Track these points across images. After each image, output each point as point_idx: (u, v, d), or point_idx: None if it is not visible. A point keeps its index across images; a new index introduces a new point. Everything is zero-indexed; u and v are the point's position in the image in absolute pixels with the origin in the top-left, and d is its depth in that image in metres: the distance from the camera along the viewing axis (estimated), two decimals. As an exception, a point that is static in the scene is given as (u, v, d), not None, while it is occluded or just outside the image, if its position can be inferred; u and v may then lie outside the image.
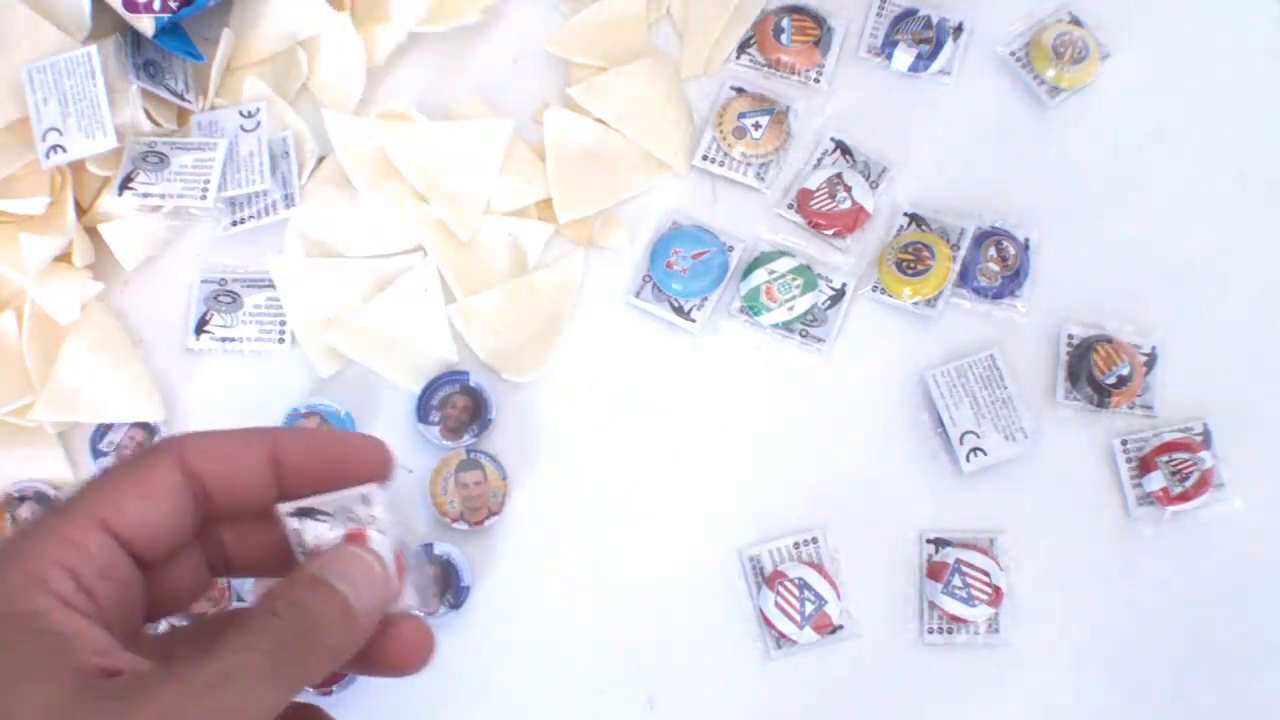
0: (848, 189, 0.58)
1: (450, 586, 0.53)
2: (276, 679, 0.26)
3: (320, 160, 0.59)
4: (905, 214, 0.59)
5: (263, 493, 0.31)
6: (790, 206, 0.59)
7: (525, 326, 0.57)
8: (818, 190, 0.58)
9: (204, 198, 0.55)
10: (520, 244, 0.58)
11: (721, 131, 0.59)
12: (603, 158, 0.59)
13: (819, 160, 0.59)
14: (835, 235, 0.58)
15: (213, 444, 0.31)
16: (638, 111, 0.59)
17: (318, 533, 0.31)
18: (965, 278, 0.57)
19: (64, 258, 0.57)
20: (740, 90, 0.60)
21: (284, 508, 0.31)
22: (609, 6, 0.62)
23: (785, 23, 0.61)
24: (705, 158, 0.59)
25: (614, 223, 0.59)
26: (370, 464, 0.32)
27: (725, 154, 0.59)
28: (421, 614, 0.32)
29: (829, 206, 0.57)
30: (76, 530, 0.28)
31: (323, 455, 0.32)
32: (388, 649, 0.31)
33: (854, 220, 0.57)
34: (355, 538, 0.31)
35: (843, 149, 0.60)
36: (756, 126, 0.59)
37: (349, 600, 0.29)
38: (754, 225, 0.59)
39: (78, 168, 0.57)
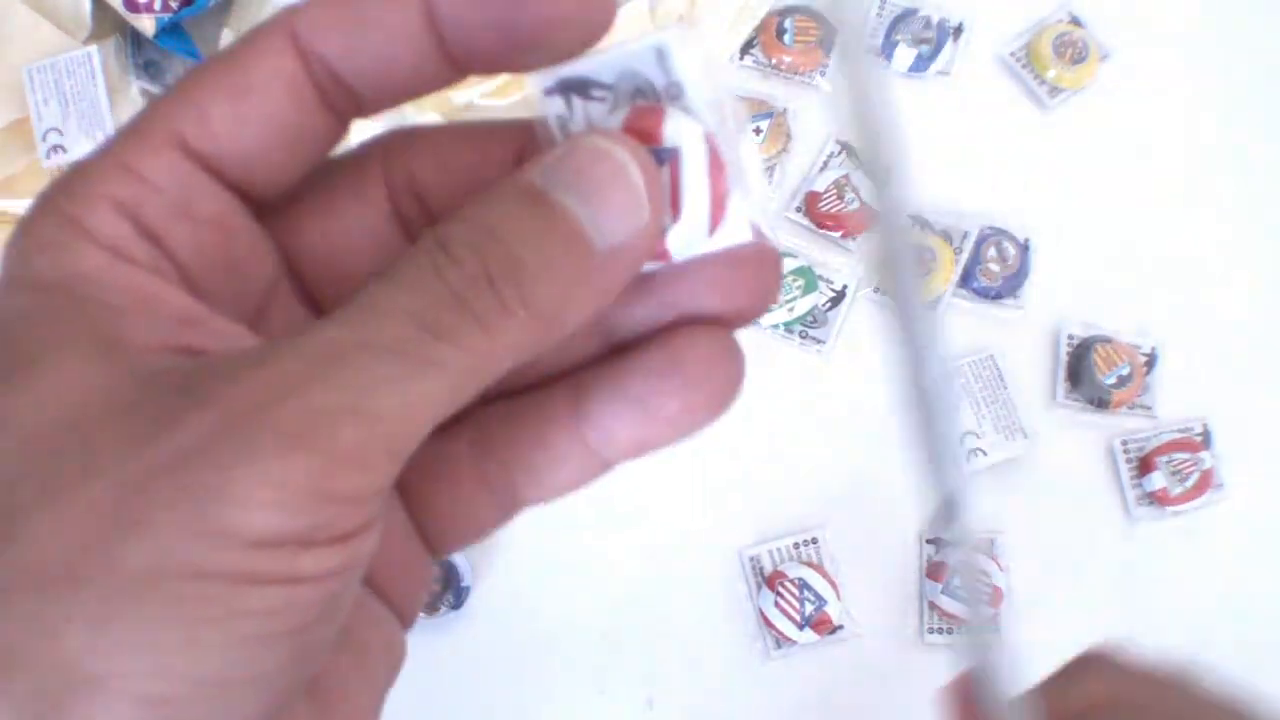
0: (856, 190, 0.58)
1: (450, 587, 0.53)
2: (439, 360, 0.17)
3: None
4: (908, 216, 0.58)
5: (421, 65, 0.20)
6: (798, 209, 0.59)
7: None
8: (825, 192, 0.58)
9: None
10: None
11: (723, 137, 0.59)
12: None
13: (825, 162, 0.59)
14: (843, 236, 0.58)
15: (338, 10, 0.20)
16: None
17: (590, 117, 0.20)
18: (966, 279, 0.57)
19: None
20: (738, 96, 0.60)
21: (536, 80, 0.20)
22: (616, 25, 0.61)
23: (788, 23, 0.61)
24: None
25: None
26: (591, 19, 0.19)
27: (727, 158, 0.59)
28: (754, 246, 0.20)
29: (838, 208, 0.57)
30: (137, 154, 0.19)
31: (510, 7, 0.19)
32: (675, 345, 0.21)
33: (863, 221, 0.57)
34: (643, 125, 0.19)
35: (848, 150, 0.60)
36: (758, 131, 0.59)
37: (583, 227, 0.18)
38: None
39: (78, 168, 0.57)
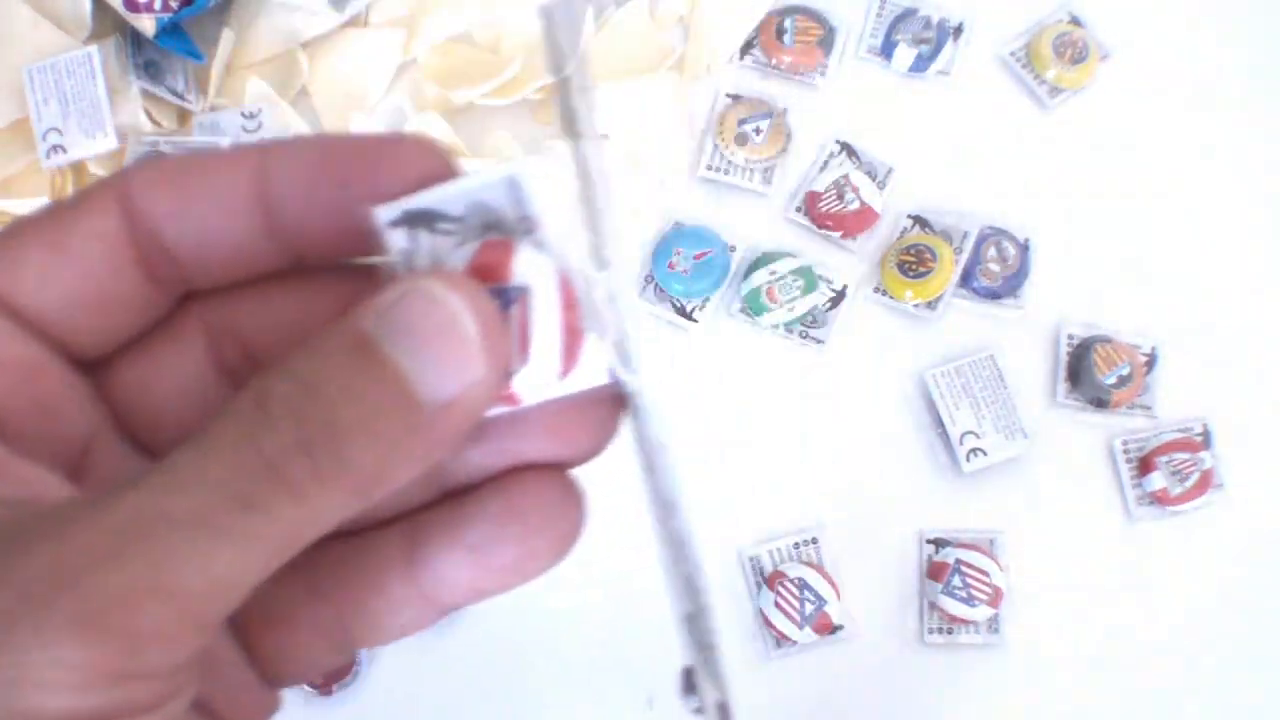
0: (855, 190, 0.58)
1: (451, 587, 0.53)
2: (249, 532, 0.16)
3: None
4: (909, 216, 0.59)
5: (248, 242, 0.19)
6: (798, 209, 0.59)
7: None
8: (825, 192, 0.58)
9: (205, 198, 0.55)
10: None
11: (723, 139, 0.59)
12: (613, 171, 0.59)
13: (825, 162, 0.59)
14: (844, 236, 0.58)
15: (171, 173, 0.19)
16: (637, 124, 0.59)
17: (437, 252, 0.18)
18: (966, 279, 0.57)
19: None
20: (736, 97, 0.60)
21: (384, 213, 0.18)
22: (617, 28, 0.61)
23: (788, 23, 0.61)
24: (710, 168, 0.59)
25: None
26: (418, 174, 0.19)
27: (729, 162, 0.59)
28: (609, 389, 0.19)
29: (838, 208, 0.57)
30: None
31: (338, 174, 0.19)
32: (511, 493, 0.20)
33: (863, 221, 0.57)
34: (492, 261, 0.18)
35: (848, 150, 0.60)
36: (758, 131, 0.59)
37: (411, 382, 0.17)
38: (760, 228, 0.59)
39: (78, 168, 0.57)
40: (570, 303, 0.18)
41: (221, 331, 0.21)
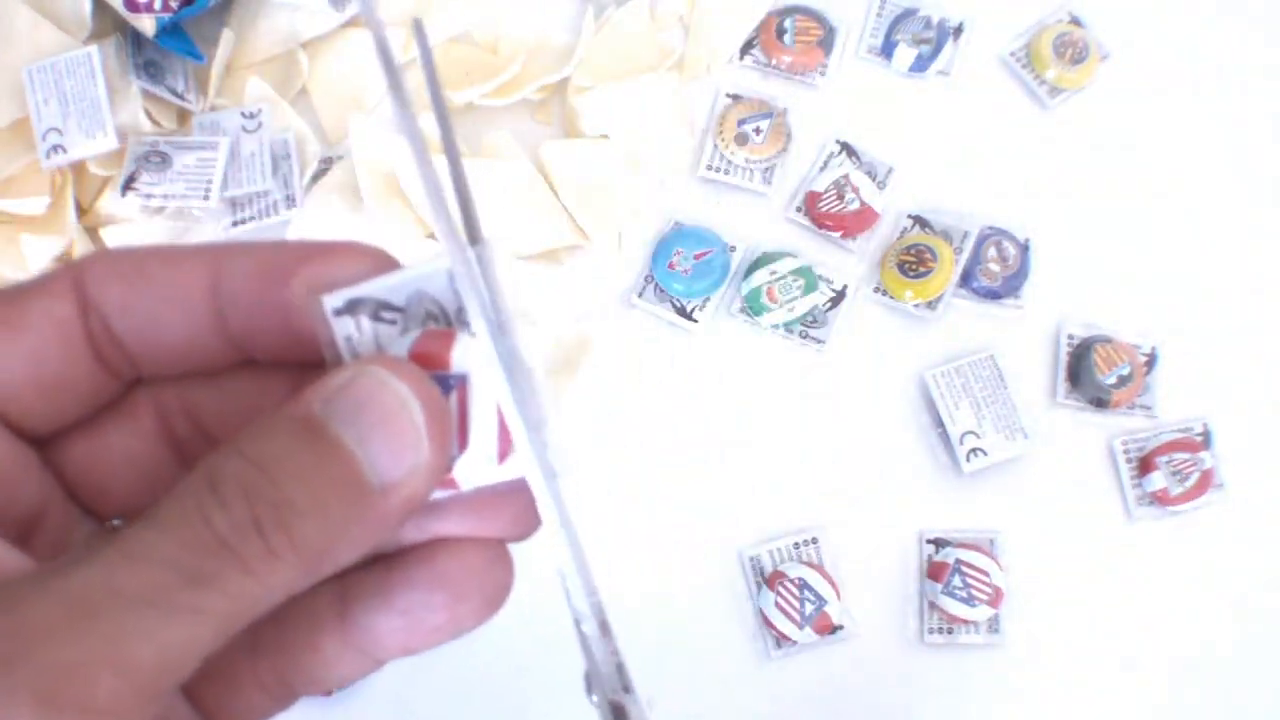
0: (855, 190, 0.58)
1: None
2: (200, 607, 0.16)
3: (326, 162, 0.59)
4: (910, 215, 0.59)
5: (198, 338, 0.20)
6: (799, 209, 0.59)
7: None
8: (825, 192, 0.58)
9: (207, 198, 0.55)
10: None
11: (723, 139, 0.59)
12: (613, 171, 0.59)
13: (825, 162, 0.59)
14: (844, 236, 0.58)
15: (125, 265, 0.20)
16: (637, 124, 0.59)
17: (380, 340, 0.19)
18: (966, 279, 0.57)
19: (64, 258, 0.57)
20: (736, 97, 0.60)
21: (329, 300, 0.19)
22: (617, 28, 0.61)
23: (788, 23, 0.61)
24: (710, 167, 0.59)
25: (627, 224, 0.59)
26: (355, 271, 0.20)
27: (729, 162, 0.59)
28: (534, 482, 0.19)
29: (838, 208, 0.57)
30: None
31: (284, 272, 0.20)
32: (440, 561, 0.20)
33: (863, 221, 0.57)
34: (432, 350, 0.19)
35: (848, 150, 0.60)
36: (757, 131, 0.59)
37: (360, 464, 0.18)
38: (760, 228, 0.59)
39: (78, 168, 0.57)
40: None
41: (172, 410, 0.21)
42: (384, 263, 0.20)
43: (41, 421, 0.20)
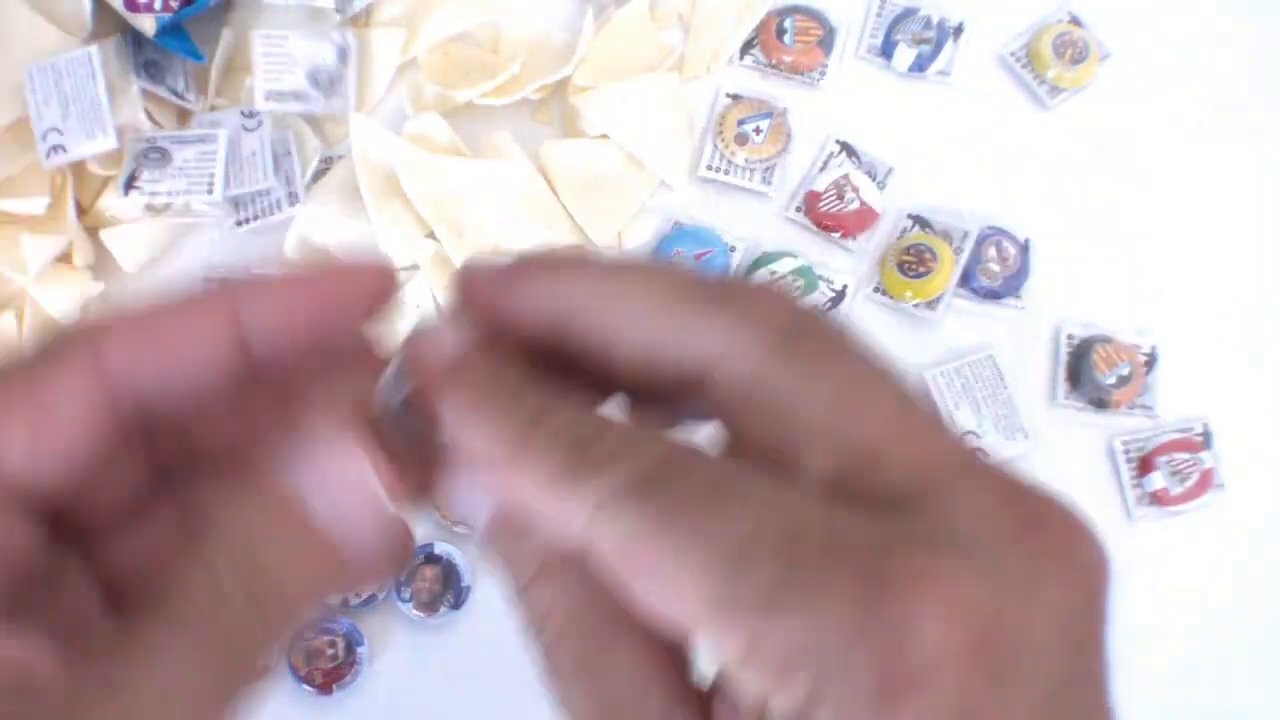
0: (855, 190, 0.58)
1: (450, 587, 0.53)
2: (218, 680, 0.18)
3: (326, 161, 0.59)
4: (910, 215, 0.59)
5: (224, 386, 0.21)
6: (798, 209, 0.59)
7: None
8: (825, 192, 0.58)
9: (210, 192, 0.55)
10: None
11: (723, 139, 0.59)
12: (613, 171, 0.59)
13: (825, 162, 0.59)
14: (844, 236, 0.58)
15: (144, 328, 0.20)
16: (637, 124, 0.59)
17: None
18: (966, 279, 0.57)
19: (65, 258, 0.57)
20: (736, 97, 0.60)
21: (381, 396, 0.22)
22: (617, 28, 0.61)
23: (788, 23, 0.61)
24: (710, 168, 0.59)
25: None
26: (368, 297, 0.22)
27: (729, 162, 0.59)
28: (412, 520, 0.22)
29: (838, 208, 0.57)
30: None
31: (306, 309, 0.21)
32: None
33: (863, 221, 0.57)
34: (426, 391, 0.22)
35: (848, 150, 0.60)
36: (757, 131, 0.59)
37: (335, 541, 0.20)
38: (760, 227, 0.59)
39: (78, 168, 0.56)
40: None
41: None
42: (383, 280, 0.22)
43: (70, 493, 0.20)
